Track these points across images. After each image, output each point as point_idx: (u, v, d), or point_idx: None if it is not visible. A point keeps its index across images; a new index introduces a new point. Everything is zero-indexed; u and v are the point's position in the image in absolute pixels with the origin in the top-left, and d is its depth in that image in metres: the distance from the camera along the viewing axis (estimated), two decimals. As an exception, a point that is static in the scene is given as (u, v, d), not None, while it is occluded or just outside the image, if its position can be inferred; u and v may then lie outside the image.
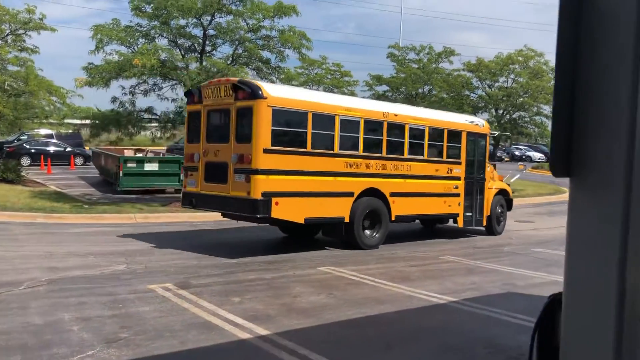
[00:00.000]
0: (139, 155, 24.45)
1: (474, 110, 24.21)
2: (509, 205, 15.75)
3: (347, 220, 11.22)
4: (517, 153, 52.52)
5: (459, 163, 13.88)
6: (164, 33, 17.15)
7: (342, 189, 11.18)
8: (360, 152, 11.55)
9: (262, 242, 12.69)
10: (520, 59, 23.31)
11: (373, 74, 33.89)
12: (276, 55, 18.18)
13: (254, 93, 10.15)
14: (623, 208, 0.96)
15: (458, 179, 13.82)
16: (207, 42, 17.66)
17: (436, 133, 13.38)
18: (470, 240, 14.21)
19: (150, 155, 25.21)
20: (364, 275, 9.12)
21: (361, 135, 11.55)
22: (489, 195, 14.75)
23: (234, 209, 10.66)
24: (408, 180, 12.52)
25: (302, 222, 10.69)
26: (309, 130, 10.69)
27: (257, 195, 9.92)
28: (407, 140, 12.61)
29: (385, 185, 11.97)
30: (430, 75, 30.83)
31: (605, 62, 1.07)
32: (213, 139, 11.06)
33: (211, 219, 15.72)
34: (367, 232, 11.80)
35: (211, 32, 17.56)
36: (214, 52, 18.38)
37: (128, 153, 25.48)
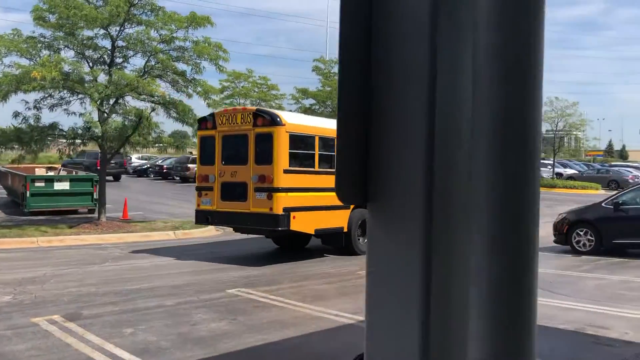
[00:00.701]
0: (51, 173, 23.06)
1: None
2: None
3: (345, 229, 12.54)
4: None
5: None
6: (69, 44, 16.16)
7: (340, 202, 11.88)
8: None
9: (172, 266, 12.01)
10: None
11: (299, 87, 33.74)
12: (192, 67, 17.56)
13: (274, 120, 11.48)
14: (423, 238, 0.82)
15: None
16: (117, 54, 16.80)
17: None
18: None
19: (63, 173, 23.82)
20: (275, 297, 8.68)
21: None
22: None
23: (254, 224, 11.81)
24: None
25: (313, 233, 12.17)
26: (317, 152, 12.19)
27: (279, 210, 11.20)
28: None
29: None
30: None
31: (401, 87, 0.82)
32: (230, 161, 12.15)
33: (122, 240, 14.86)
34: (360, 239, 12.86)
35: (121, 43, 16.73)
36: (125, 64, 17.55)
37: (39, 171, 24.00)
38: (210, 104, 17.55)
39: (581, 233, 13.59)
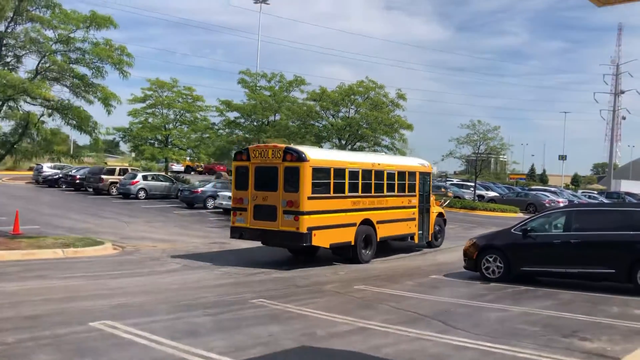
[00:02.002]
0: None
1: (317, 140, 23.80)
2: (444, 223, 20.70)
3: (352, 243, 15.31)
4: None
5: (415, 195, 18.25)
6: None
7: (349, 220, 15.29)
8: (360, 192, 15.80)
9: (42, 290, 10.63)
10: (361, 89, 23.36)
11: (222, 99, 32.61)
12: (93, 71, 16.21)
13: (300, 157, 14.23)
14: None
15: (414, 207, 18.18)
16: (5, 52, 15.23)
17: (401, 174, 17.69)
18: (300, 276, 13.24)
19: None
20: (142, 332, 7.58)
21: (360, 181, 15.78)
22: (432, 217, 19.37)
23: (282, 240, 14.78)
24: (386, 211, 16.73)
25: (328, 247, 15.04)
26: (332, 181, 14.92)
27: (303, 229, 13.97)
28: (385, 182, 16.79)
29: (374, 216, 16.13)
30: (280, 104, 30.25)
31: None
32: (261, 188, 14.73)
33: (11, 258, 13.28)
34: (364, 251, 15.73)
35: (11, 41, 15.19)
36: (18, 64, 15.98)
37: None
38: (110, 111, 16.21)
39: (490, 259, 13.23)
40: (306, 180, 14.04)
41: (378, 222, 16.22)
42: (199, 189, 29.91)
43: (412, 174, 18.14)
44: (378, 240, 16.26)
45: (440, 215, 20.14)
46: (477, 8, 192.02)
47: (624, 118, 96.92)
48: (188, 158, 44.20)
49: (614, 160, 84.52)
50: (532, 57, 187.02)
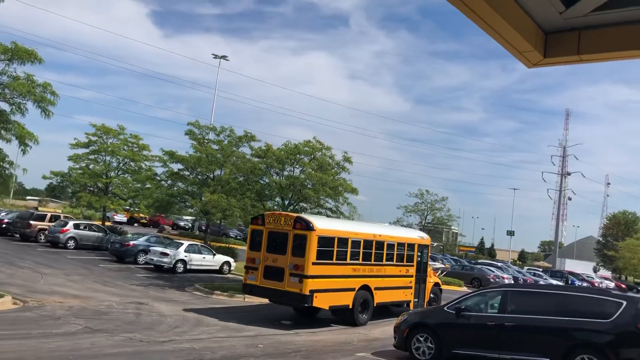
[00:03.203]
0: None
1: (259, 198, 22.80)
2: (440, 292, 21.73)
3: (350, 306, 16.52)
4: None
5: (412, 265, 19.49)
6: None
7: (349, 285, 16.52)
8: (360, 260, 17.01)
9: None
10: (307, 149, 22.70)
11: (166, 150, 31.35)
12: (13, 107, 14.99)
13: (308, 226, 15.66)
14: None
15: (412, 276, 19.38)
16: None
17: (401, 245, 19.04)
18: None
19: None
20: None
21: (361, 250, 17.04)
22: (429, 286, 20.53)
23: (287, 299, 15.99)
24: (384, 279, 17.88)
25: (328, 308, 16.30)
26: (335, 248, 16.20)
27: (306, 292, 15.22)
28: (385, 252, 17.98)
29: (372, 283, 17.30)
30: (227, 158, 29.28)
31: None
32: (272, 251, 16.15)
33: None
34: (361, 315, 16.96)
35: None
36: None
37: None
38: (26, 151, 14.91)
39: (421, 339, 12.22)
40: (312, 247, 15.47)
41: (376, 289, 17.48)
42: (131, 242, 28.17)
43: (410, 246, 19.56)
44: (375, 305, 17.51)
45: (436, 284, 21.48)
46: (437, 84, 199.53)
47: (569, 199, 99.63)
48: (127, 208, 42.33)
49: (560, 239, 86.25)
50: (488, 134, 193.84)
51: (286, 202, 23.32)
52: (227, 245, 36.01)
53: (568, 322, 10.92)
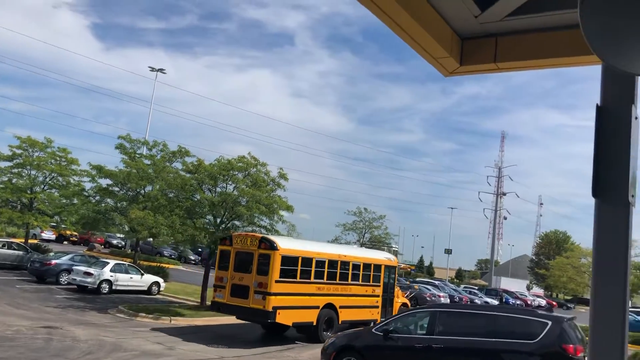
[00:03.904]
0: None
1: (188, 215, 21.90)
2: None
3: (315, 323, 17.26)
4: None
5: (379, 285, 20.36)
6: None
7: (313, 303, 17.24)
8: (325, 280, 17.84)
9: None
10: (241, 165, 22.04)
11: (94, 164, 29.88)
12: None
13: (272, 246, 16.54)
14: None
15: (378, 296, 20.24)
16: None
17: (366, 266, 19.86)
18: None
19: None
20: None
21: (325, 270, 17.88)
22: (396, 306, 21.25)
23: (252, 315, 16.81)
24: (350, 298, 18.59)
25: (291, 325, 17.07)
26: (299, 268, 17.05)
27: (269, 308, 15.97)
28: (350, 272, 18.87)
29: (337, 301, 18.05)
30: (158, 174, 28.19)
31: None
32: (238, 270, 17.01)
33: None
34: (325, 332, 17.35)
35: None
36: None
37: None
38: None
39: (348, 362, 11.77)
40: (275, 266, 16.29)
41: (341, 307, 18.19)
42: (52, 261, 26.49)
43: (377, 267, 20.42)
44: (340, 323, 18.05)
45: (404, 305, 22.30)
46: (379, 105, 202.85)
47: (505, 218, 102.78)
48: (54, 225, 40.16)
49: (495, 258, 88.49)
50: (428, 154, 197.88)
51: (218, 220, 22.51)
52: (157, 264, 34.60)
53: (495, 344, 10.72)
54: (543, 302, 57.33)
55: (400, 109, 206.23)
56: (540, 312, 12.71)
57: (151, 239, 30.13)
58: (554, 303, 62.18)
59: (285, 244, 17.29)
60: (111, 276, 24.90)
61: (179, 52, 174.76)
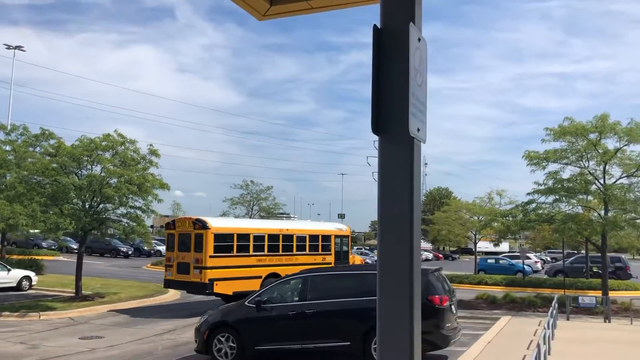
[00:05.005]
0: None
1: (52, 202, 20.15)
2: None
3: None
4: (146, 248, 49.26)
5: (330, 254, 22.28)
6: None
7: (254, 274, 19.12)
8: (266, 252, 19.85)
9: None
10: (105, 144, 20.55)
11: None
12: None
13: (204, 226, 18.63)
14: None
15: (329, 263, 21.70)
16: None
17: (314, 237, 21.90)
18: None
19: None
20: None
21: (266, 243, 19.97)
22: None
23: (194, 288, 18.90)
24: (297, 267, 18.89)
25: (231, 293, 18.22)
26: (235, 243, 19.19)
27: (206, 280, 18.14)
28: (295, 243, 20.74)
29: (282, 270, 19.04)
30: (19, 160, 25.75)
31: None
32: (181, 249, 19.21)
33: None
34: None
35: None
36: None
37: None
38: None
39: (222, 339, 11.36)
40: (209, 243, 18.21)
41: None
42: None
43: (326, 237, 22.42)
44: None
45: None
46: (267, 76, 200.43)
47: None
48: None
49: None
50: (319, 124, 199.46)
51: (87, 205, 20.95)
52: (29, 257, 32.09)
53: (364, 302, 10.76)
54: (430, 256, 60.45)
55: (288, 80, 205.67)
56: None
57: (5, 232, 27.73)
58: (440, 255, 65.82)
59: (218, 223, 19.53)
60: (-31, 276, 22.58)
61: (50, 29, 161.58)
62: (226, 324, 11.46)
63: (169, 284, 19.77)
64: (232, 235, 19.18)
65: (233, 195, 36.02)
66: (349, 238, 24.33)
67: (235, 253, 19.04)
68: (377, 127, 1.64)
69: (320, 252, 21.90)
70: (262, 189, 35.30)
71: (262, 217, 36.75)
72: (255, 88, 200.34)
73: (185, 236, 19.03)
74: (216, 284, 18.13)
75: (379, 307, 1.63)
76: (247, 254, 19.29)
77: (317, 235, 22.11)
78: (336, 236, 23.02)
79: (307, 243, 21.47)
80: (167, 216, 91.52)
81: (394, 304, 1.61)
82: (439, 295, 10.99)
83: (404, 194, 1.60)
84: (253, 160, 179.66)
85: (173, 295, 23.63)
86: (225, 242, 18.79)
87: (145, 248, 46.20)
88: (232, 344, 11.26)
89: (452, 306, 11.53)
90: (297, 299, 11.46)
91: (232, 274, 18.58)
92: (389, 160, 1.63)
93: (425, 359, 11.61)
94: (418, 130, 1.66)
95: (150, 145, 21.42)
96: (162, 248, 53.18)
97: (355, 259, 24.59)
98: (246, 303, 11.68)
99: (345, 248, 23.36)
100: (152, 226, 78.13)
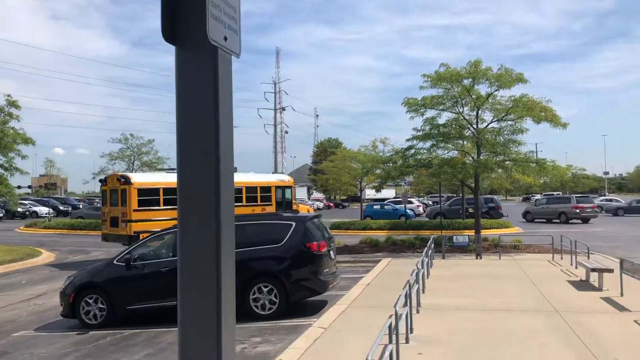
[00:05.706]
0: None
1: None
2: None
3: None
4: (20, 210, 45.83)
5: (270, 204, 23.04)
6: None
7: None
8: None
9: None
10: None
11: None
12: None
13: (127, 181, 19.74)
14: None
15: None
16: None
17: (251, 188, 22.72)
18: None
19: None
20: None
21: None
22: None
23: (123, 240, 19.27)
24: None
25: None
26: (161, 197, 20.06)
27: (132, 232, 19.04)
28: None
29: None
30: None
31: None
32: (112, 204, 20.30)
33: None
34: None
35: None
36: None
37: None
38: None
39: (90, 301, 10.61)
40: (133, 197, 19.16)
41: None
42: None
43: (265, 188, 23.24)
44: None
45: None
46: (152, 25, 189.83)
47: (286, 132, 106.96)
48: None
49: (281, 170, 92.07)
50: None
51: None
52: None
53: (244, 253, 10.44)
54: (321, 205, 61.61)
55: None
56: (285, 214, 12.81)
57: None
58: (331, 204, 67.35)
59: (141, 179, 20.58)
60: None
61: None
62: (94, 285, 10.71)
63: (105, 237, 20.96)
64: (157, 189, 19.98)
65: (112, 150, 33.99)
66: (292, 188, 25.16)
67: (162, 207, 19.77)
68: (172, 33, 1.35)
69: (259, 203, 22.53)
70: (143, 143, 33.59)
71: (143, 173, 35.10)
72: (139, 37, 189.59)
73: (114, 192, 20.12)
74: (142, 237, 17.90)
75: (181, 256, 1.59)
76: (175, 207, 20.30)
77: (256, 187, 22.88)
78: (277, 187, 23.78)
79: (244, 194, 21.93)
80: (43, 175, 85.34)
81: (196, 260, 1.53)
82: (317, 242, 10.94)
83: (207, 118, 1.33)
84: (140, 114, 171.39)
85: (47, 258, 22.11)
86: (150, 196, 19.68)
87: (11, 210, 42.57)
88: (101, 305, 10.57)
89: (331, 252, 11.56)
90: (171, 254, 10.89)
91: (158, 227, 18.51)
92: (187, 74, 1.34)
93: (305, 305, 11.65)
94: (225, 38, 1.36)
95: (8, 96, 19.42)
96: (38, 209, 49.82)
97: (300, 207, 24.83)
98: (115, 262, 10.96)
99: (288, 197, 24.23)
100: (29, 186, 72.47)
